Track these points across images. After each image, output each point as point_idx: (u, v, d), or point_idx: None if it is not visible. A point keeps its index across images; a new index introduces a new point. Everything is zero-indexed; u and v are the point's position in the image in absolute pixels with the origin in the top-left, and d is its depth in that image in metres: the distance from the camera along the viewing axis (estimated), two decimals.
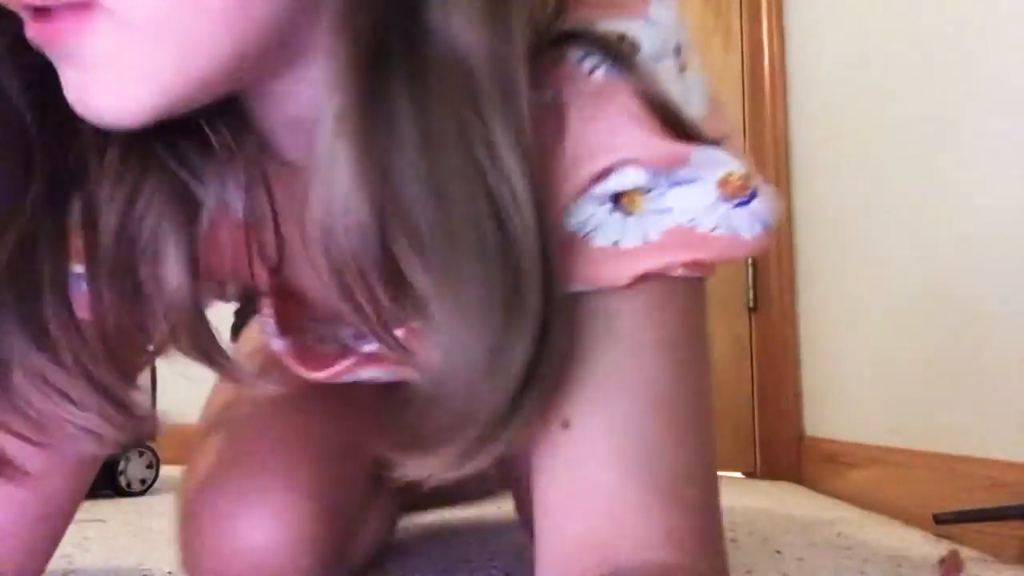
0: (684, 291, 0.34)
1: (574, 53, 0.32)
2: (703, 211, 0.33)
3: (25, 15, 0.26)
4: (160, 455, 1.25)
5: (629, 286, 0.32)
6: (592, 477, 0.32)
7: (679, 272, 0.33)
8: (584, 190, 0.32)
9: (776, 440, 1.52)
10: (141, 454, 1.24)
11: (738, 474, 1.58)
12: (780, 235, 1.55)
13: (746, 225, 0.33)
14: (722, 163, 0.32)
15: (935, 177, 0.97)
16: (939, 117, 0.96)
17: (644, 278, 0.32)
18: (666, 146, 0.31)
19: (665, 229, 0.32)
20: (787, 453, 1.50)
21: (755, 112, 1.63)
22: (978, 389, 0.86)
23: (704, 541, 0.32)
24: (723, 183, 0.32)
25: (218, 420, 0.59)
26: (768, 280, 1.57)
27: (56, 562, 0.71)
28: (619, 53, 0.31)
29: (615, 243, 0.33)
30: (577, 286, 0.32)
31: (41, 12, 0.26)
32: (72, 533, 0.87)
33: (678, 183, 0.32)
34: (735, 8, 1.68)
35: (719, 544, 0.33)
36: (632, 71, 0.31)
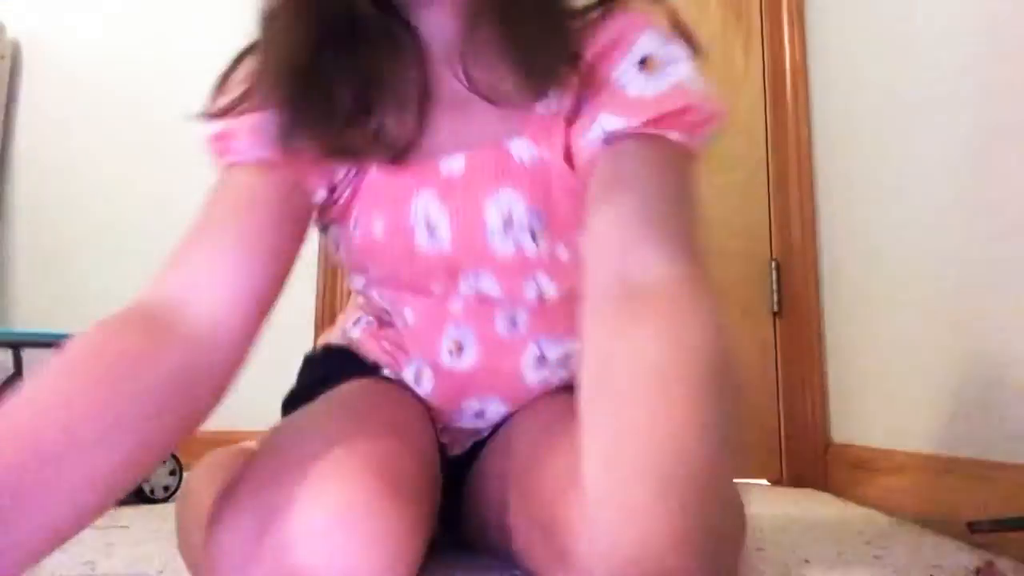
0: (684, 152, 0.55)
1: None
2: (688, 76, 0.56)
3: None
4: (183, 462, 1.26)
5: (650, 136, 0.54)
6: (620, 225, 0.50)
7: (677, 137, 0.55)
8: (625, 52, 0.57)
9: (802, 447, 1.50)
10: (164, 461, 1.25)
11: (764, 481, 1.55)
12: (804, 238, 1.53)
13: (710, 93, 0.56)
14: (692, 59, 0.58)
15: (961, 177, 0.95)
16: (965, 119, 0.94)
17: (660, 125, 0.54)
18: (667, 31, 0.58)
19: (670, 83, 0.55)
20: (813, 460, 1.47)
21: (777, 116, 1.61)
22: (1013, 393, 0.84)
23: (700, 272, 0.48)
24: (697, 67, 0.57)
25: (273, 434, 0.56)
26: (792, 283, 1.55)
27: (79, 568, 0.72)
28: None
29: (641, 92, 0.55)
30: (622, 121, 0.54)
31: None
32: (95, 539, 0.87)
33: (675, 61, 0.56)
34: (756, 13, 1.67)
35: (707, 276, 0.48)
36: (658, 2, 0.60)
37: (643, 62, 0.56)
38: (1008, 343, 0.85)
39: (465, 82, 0.59)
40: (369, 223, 0.63)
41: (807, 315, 1.52)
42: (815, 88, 1.56)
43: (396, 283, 0.67)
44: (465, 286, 0.65)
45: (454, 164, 0.61)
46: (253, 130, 0.56)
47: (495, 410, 0.71)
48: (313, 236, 0.61)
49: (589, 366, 0.44)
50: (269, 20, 0.56)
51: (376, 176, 0.62)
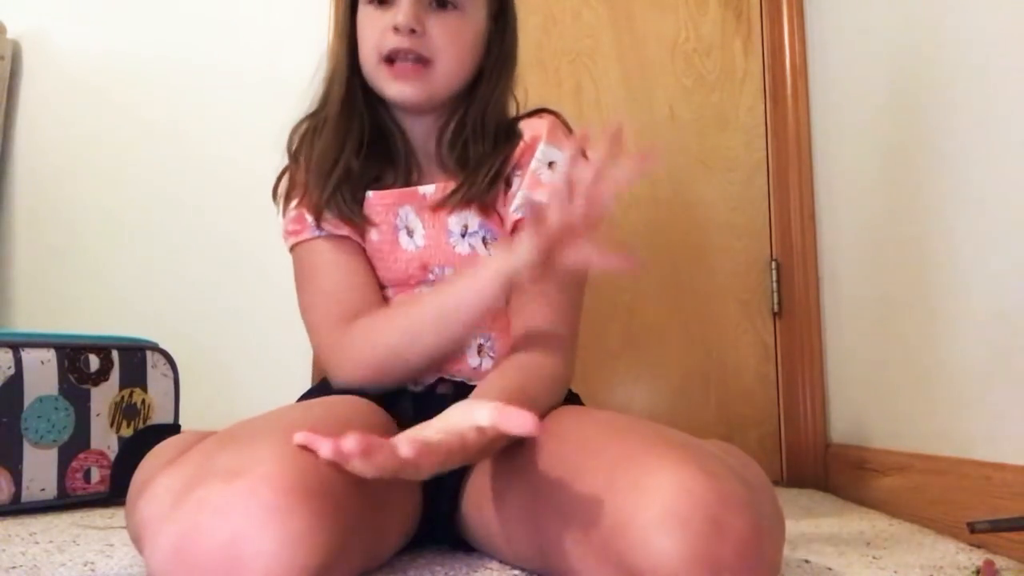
0: None
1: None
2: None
3: (387, 48, 0.83)
4: None
5: None
6: (533, 323, 0.80)
7: None
8: (534, 153, 0.85)
9: (802, 447, 1.50)
10: None
11: None
12: (804, 238, 1.53)
13: None
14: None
15: (961, 174, 0.95)
16: (966, 114, 0.94)
17: None
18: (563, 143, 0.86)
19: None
20: (813, 460, 1.47)
21: (777, 115, 1.61)
22: (1012, 394, 0.84)
23: (567, 356, 0.81)
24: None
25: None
26: (792, 283, 1.55)
27: (79, 569, 0.71)
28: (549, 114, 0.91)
29: (548, 180, 0.83)
30: (535, 195, 0.82)
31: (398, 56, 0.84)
32: (95, 540, 0.87)
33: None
34: (756, 11, 1.67)
35: (572, 361, 0.82)
36: (556, 117, 0.91)
37: (550, 165, 0.85)
38: (1009, 344, 0.85)
39: (439, 159, 0.89)
40: (369, 233, 0.87)
41: (807, 315, 1.52)
42: (815, 88, 1.56)
43: (389, 278, 0.87)
44: (432, 276, 0.86)
45: (427, 189, 0.86)
46: (306, 217, 0.85)
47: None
48: None
49: (495, 374, 0.76)
50: (310, 133, 0.88)
51: (373, 199, 0.86)
